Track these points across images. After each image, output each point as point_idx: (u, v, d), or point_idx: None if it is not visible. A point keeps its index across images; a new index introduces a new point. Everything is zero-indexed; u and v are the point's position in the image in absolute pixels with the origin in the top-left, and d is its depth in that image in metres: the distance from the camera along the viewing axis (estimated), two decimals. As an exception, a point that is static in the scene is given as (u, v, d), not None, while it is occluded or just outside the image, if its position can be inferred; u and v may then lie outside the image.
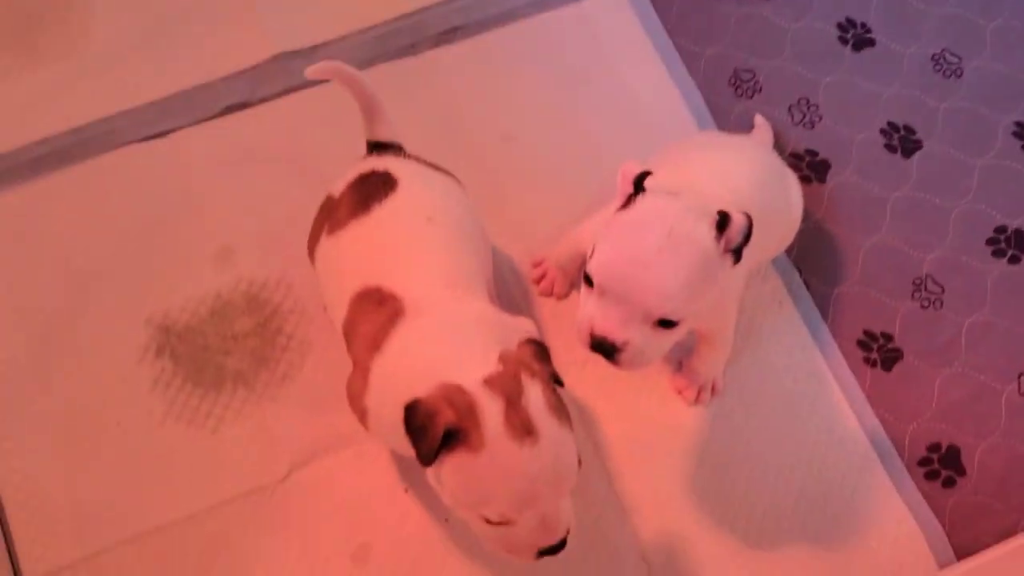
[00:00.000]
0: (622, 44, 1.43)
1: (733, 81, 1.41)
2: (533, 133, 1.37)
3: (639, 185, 0.88)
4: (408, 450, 0.89)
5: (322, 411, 1.18)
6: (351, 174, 1.01)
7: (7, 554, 1.10)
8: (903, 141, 1.37)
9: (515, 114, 1.38)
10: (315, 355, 1.22)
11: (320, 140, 1.34)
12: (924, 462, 1.19)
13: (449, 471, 0.78)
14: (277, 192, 1.31)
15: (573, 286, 1.26)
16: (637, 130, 1.38)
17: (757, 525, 1.15)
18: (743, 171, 1.04)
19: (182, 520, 1.13)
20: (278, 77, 1.37)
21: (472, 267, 0.96)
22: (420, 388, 0.78)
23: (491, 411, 0.75)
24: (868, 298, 1.27)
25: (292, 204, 1.29)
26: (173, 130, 1.34)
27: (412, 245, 0.94)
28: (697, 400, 1.20)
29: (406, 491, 1.15)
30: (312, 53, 1.39)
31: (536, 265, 1.27)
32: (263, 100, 1.36)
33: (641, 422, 1.20)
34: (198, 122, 1.34)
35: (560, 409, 0.80)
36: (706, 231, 0.85)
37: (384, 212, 0.95)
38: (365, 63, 1.38)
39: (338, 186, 1.02)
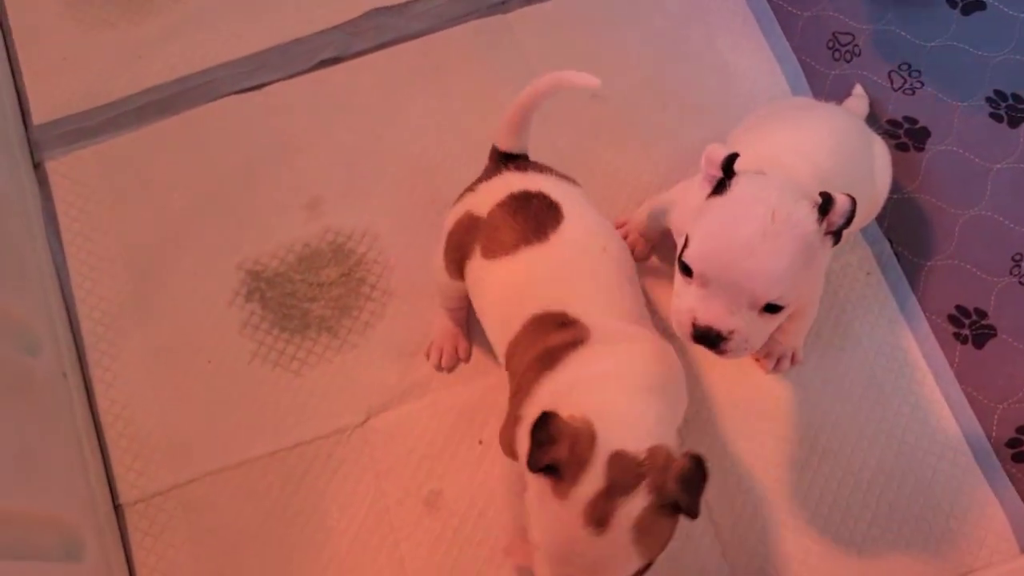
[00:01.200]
0: (716, 4, 1.40)
1: (831, 44, 1.37)
2: (623, 94, 1.36)
3: (728, 169, 0.85)
4: None
5: (401, 360, 1.22)
6: (497, 193, 1.00)
7: (106, 480, 1.17)
8: (1010, 110, 1.31)
9: (606, 74, 1.33)
10: (396, 306, 1.25)
11: (410, 95, 1.36)
12: (1012, 443, 1.14)
13: (535, 484, 0.78)
14: (366, 145, 1.34)
15: (653, 249, 1.25)
16: (729, 94, 1.35)
17: (831, 496, 1.13)
18: (824, 143, 1.01)
19: (265, 456, 1.18)
20: (371, 32, 1.40)
21: (637, 292, 0.98)
22: (568, 407, 0.79)
23: (590, 482, 0.75)
24: (962, 272, 1.23)
25: (380, 158, 1.33)
26: (269, 83, 1.38)
27: (595, 275, 0.95)
28: (775, 369, 1.18)
29: (480, 443, 1.17)
30: (405, 9, 1.40)
31: (619, 227, 1.26)
32: (356, 55, 1.39)
33: (716, 388, 1.19)
34: (293, 75, 1.38)
35: (651, 538, 0.76)
36: (806, 213, 0.82)
37: (564, 240, 0.95)
38: (457, 20, 1.39)
39: (482, 204, 1.01)
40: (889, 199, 1.16)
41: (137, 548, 1.15)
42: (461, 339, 1.20)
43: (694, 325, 0.85)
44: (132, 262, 1.28)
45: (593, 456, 0.75)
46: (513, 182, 1.01)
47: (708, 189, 0.87)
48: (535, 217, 0.96)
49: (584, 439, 0.76)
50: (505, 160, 1.05)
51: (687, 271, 0.85)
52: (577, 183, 1.07)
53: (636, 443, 0.77)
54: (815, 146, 1.00)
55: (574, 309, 0.91)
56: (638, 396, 0.84)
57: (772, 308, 0.84)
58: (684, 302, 0.86)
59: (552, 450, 0.75)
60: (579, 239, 0.96)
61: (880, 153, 1.13)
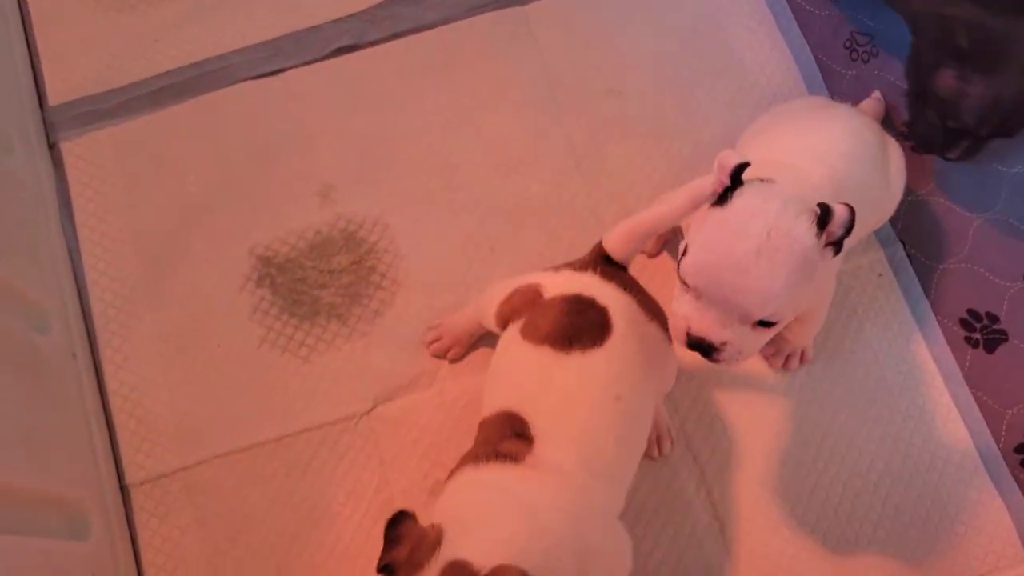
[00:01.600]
0: (734, 1, 1.40)
1: (848, 44, 1.36)
2: (638, 89, 1.35)
3: (736, 178, 0.83)
4: None
5: (410, 349, 1.22)
6: (571, 285, 0.95)
7: (113, 460, 1.18)
8: (1028, 115, 1.30)
9: (621, 69, 1.37)
10: (405, 295, 1.25)
11: (424, 86, 1.36)
12: (1021, 449, 1.14)
13: None
14: (380, 134, 1.33)
15: (665, 245, 1.25)
16: (744, 91, 1.34)
17: (837, 497, 1.13)
18: (838, 145, 1.00)
19: (272, 441, 1.18)
20: (387, 22, 1.39)
21: (625, 458, 0.92)
22: (440, 510, 0.80)
23: None
24: (975, 276, 1.22)
25: (393, 147, 1.33)
26: (284, 69, 1.37)
27: (586, 416, 0.88)
28: (784, 367, 1.18)
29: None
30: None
31: None
32: (372, 43, 1.39)
33: (722, 385, 1.19)
34: (308, 62, 1.38)
35: None
36: (806, 229, 0.81)
37: (581, 365, 0.89)
38: (473, 10, 1.39)
39: (553, 287, 0.96)
40: (903, 201, 1.16)
41: (142, 529, 1.15)
42: (462, 345, 1.20)
43: (688, 334, 0.85)
44: (145, 245, 1.29)
45: (430, 563, 0.74)
46: (589, 286, 0.94)
47: (713, 198, 0.85)
48: (578, 327, 0.90)
49: (427, 545, 0.76)
50: (604, 262, 0.98)
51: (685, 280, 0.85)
52: (661, 319, 0.97)
53: (483, 558, 0.74)
54: (829, 148, 1.00)
55: (539, 430, 0.87)
56: (517, 519, 0.80)
57: (765, 323, 0.83)
58: (680, 309, 0.86)
59: (394, 550, 0.76)
60: (597, 374, 0.90)
61: (895, 156, 1.13)
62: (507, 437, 0.87)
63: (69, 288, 1.24)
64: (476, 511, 0.80)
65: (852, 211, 0.81)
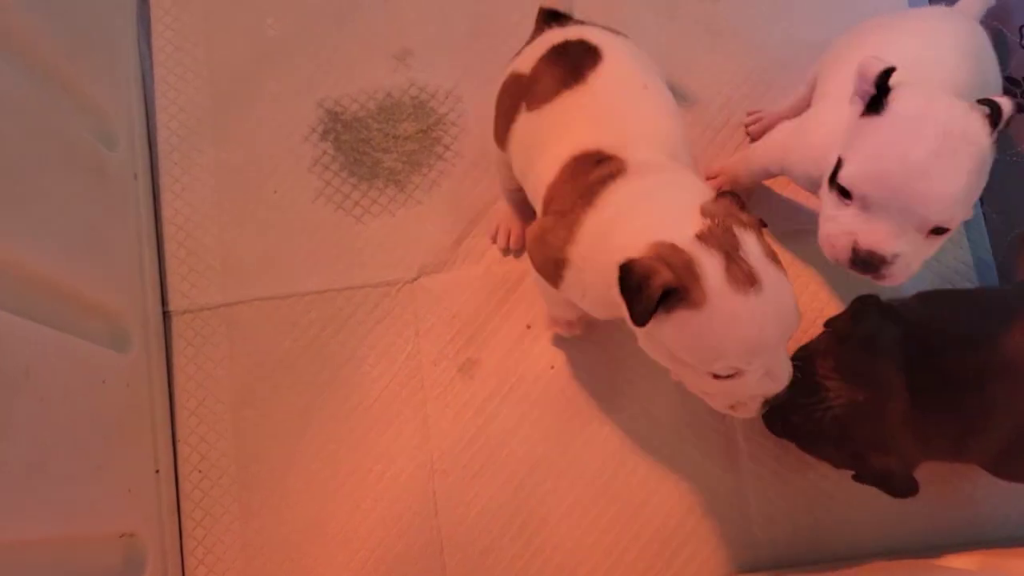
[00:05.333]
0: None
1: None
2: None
3: (883, 84, 0.78)
4: (598, 311, 0.88)
5: (461, 225, 1.22)
6: (539, 49, 0.98)
7: (159, 285, 1.20)
8: None
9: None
10: (465, 170, 1.24)
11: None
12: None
13: (670, 330, 0.75)
14: (467, 5, 1.31)
15: (749, 197, 1.20)
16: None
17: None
18: (950, 50, 0.92)
19: (313, 293, 1.20)
20: None
21: (681, 134, 0.93)
22: (633, 249, 0.75)
23: (711, 266, 0.72)
24: (1050, 247, 1.18)
25: (478, 19, 1.30)
26: (379, -76, 1.34)
27: (634, 111, 0.91)
28: None
29: (528, 327, 1.18)
30: None
31: (711, 178, 1.20)
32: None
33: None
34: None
35: (774, 255, 0.75)
36: (980, 127, 0.75)
37: (601, 80, 0.92)
38: None
39: (525, 62, 0.98)
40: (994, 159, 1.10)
41: (178, 355, 1.18)
42: (515, 223, 1.19)
43: (854, 250, 0.80)
44: (217, 80, 1.28)
45: (687, 252, 0.73)
46: (553, 37, 0.98)
47: (860, 106, 0.81)
48: (573, 62, 0.93)
49: (669, 250, 0.74)
50: (549, 20, 1.03)
51: (844, 193, 0.80)
52: (626, 36, 1.01)
53: (694, 218, 0.76)
54: (943, 55, 0.92)
55: (610, 145, 0.87)
56: (670, 191, 0.82)
57: (939, 230, 0.78)
58: (841, 225, 0.80)
59: (653, 284, 0.72)
60: (617, 77, 0.92)
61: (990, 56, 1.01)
62: (589, 171, 0.87)
63: (138, 109, 1.25)
64: (648, 219, 0.79)
65: (1018, 103, 0.77)
